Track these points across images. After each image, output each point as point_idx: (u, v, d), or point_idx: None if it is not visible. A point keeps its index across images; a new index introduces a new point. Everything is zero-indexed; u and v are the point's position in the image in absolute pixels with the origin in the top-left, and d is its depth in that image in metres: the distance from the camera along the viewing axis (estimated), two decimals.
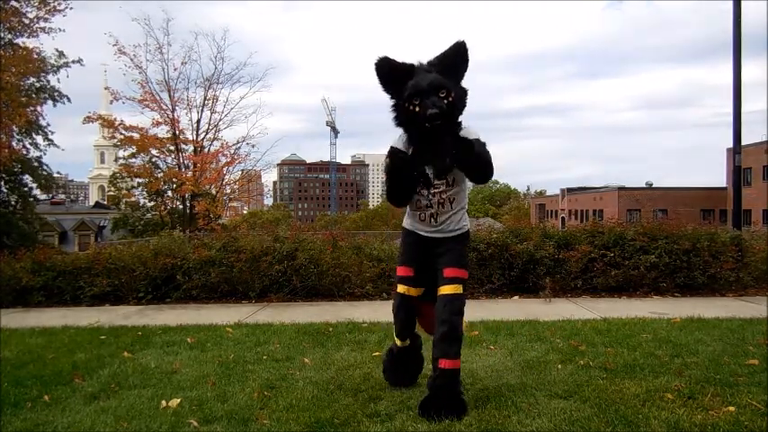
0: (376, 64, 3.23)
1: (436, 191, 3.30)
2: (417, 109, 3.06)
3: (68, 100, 21.40)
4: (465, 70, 3.25)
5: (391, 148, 3.20)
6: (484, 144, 3.20)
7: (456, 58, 3.20)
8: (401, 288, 3.47)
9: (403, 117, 3.17)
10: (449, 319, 3.21)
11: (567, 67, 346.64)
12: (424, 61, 3.25)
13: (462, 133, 3.18)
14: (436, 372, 3.22)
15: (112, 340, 5.21)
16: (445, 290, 3.26)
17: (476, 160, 3.13)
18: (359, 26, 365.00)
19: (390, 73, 3.22)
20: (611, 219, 9.78)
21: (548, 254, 7.73)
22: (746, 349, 4.38)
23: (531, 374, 3.84)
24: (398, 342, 3.61)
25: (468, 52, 3.21)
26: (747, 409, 3.10)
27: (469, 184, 3.58)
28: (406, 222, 3.54)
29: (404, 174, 3.22)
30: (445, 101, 3.05)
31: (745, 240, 8.18)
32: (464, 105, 3.22)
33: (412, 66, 3.22)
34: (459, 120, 3.24)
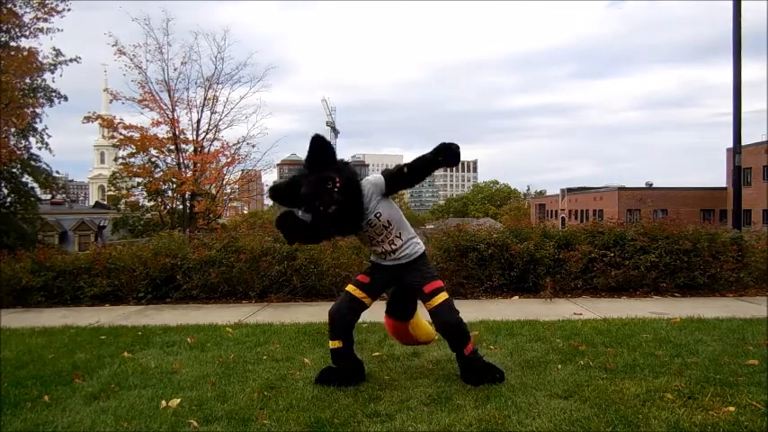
0: (269, 195, 3.85)
1: (381, 237, 3.69)
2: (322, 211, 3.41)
3: (65, 99, 21.35)
4: (333, 151, 3.57)
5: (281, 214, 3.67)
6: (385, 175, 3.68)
7: (319, 150, 3.51)
8: (349, 287, 3.87)
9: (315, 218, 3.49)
10: (449, 321, 3.68)
11: (567, 67, 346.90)
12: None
13: (367, 189, 3.58)
14: (463, 358, 3.73)
15: (112, 340, 5.21)
16: (434, 302, 3.69)
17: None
18: (359, 26, 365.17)
19: (282, 194, 3.69)
20: (611, 219, 9.79)
21: (548, 254, 7.73)
22: (746, 349, 4.38)
23: (531, 374, 3.84)
24: (332, 343, 3.87)
25: (323, 139, 3.55)
26: (747, 409, 3.10)
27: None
28: (372, 257, 3.94)
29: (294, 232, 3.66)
30: (335, 189, 3.38)
31: (745, 240, 8.18)
32: (353, 173, 3.57)
33: (292, 177, 3.66)
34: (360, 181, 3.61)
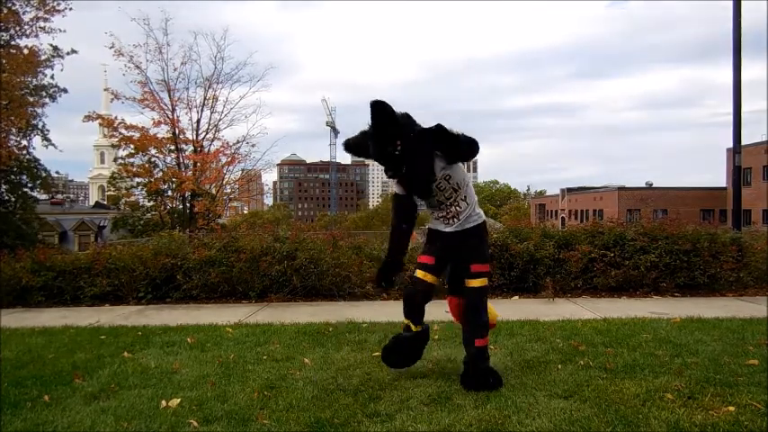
0: (344, 148, 3.86)
1: (450, 201, 3.70)
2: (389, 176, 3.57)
3: (65, 91, 21.25)
4: (394, 113, 3.45)
5: (393, 193, 3.83)
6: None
7: (380, 116, 3.43)
8: (419, 273, 3.80)
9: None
10: (474, 307, 3.74)
11: (567, 67, 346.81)
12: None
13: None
14: (472, 349, 3.71)
15: (112, 340, 5.21)
16: (472, 283, 3.74)
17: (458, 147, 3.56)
18: (359, 25, 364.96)
19: (356, 147, 3.76)
20: (611, 219, 9.78)
21: (548, 254, 7.73)
22: (746, 349, 4.38)
23: (531, 374, 3.84)
24: (411, 326, 3.83)
25: (383, 104, 3.41)
26: (747, 409, 3.10)
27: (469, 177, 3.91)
28: (431, 224, 3.90)
29: (401, 211, 3.80)
30: (396, 152, 3.43)
31: (745, 240, 8.18)
32: (414, 129, 3.51)
33: (363, 132, 3.63)
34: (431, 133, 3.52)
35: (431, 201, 3.74)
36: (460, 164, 3.74)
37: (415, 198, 3.76)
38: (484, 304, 3.77)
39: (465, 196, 3.73)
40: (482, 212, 3.89)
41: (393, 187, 3.83)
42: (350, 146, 3.80)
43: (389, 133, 3.44)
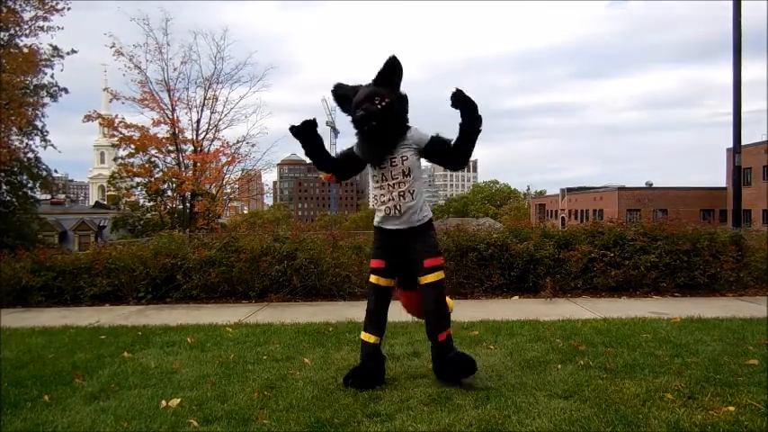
0: (332, 90, 3.95)
1: (395, 182, 3.70)
2: (357, 116, 3.63)
3: (66, 92, 21.26)
4: (400, 79, 3.74)
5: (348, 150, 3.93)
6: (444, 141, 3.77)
7: (389, 71, 3.70)
8: (373, 278, 3.87)
9: (353, 125, 3.75)
10: (436, 302, 3.73)
11: (567, 67, 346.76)
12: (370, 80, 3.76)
13: (410, 134, 3.71)
14: (437, 343, 3.72)
15: (112, 340, 5.21)
16: (428, 279, 3.72)
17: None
18: (359, 25, 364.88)
19: (340, 95, 3.89)
20: (611, 219, 9.78)
21: (548, 254, 7.73)
22: (746, 349, 4.38)
23: (531, 374, 3.84)
24: (365, 337, 3.82)
25: (400, 64, 3.70)
26: (747, 409, 3.10)
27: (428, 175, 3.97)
28: (376, 221, 3.89)
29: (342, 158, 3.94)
30: (379, 105, 3.58)
31: (745, 240, 8.18)
32: (404, 107, 3.77)
33: (358, 86, 3.79)
34: (408, 123, 3.76)
35: (376, 174, 3.75)
36: (420, 161, 3.81)
37: (359, 166, 3.88)
38: (443, 297, 3.76)
39: (413, 190, 3.70)
40: (429, 212, 3.88)
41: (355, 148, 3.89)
42: (337, 90, 3.91)
43: (384, 87, 3.63)
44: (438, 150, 3.77)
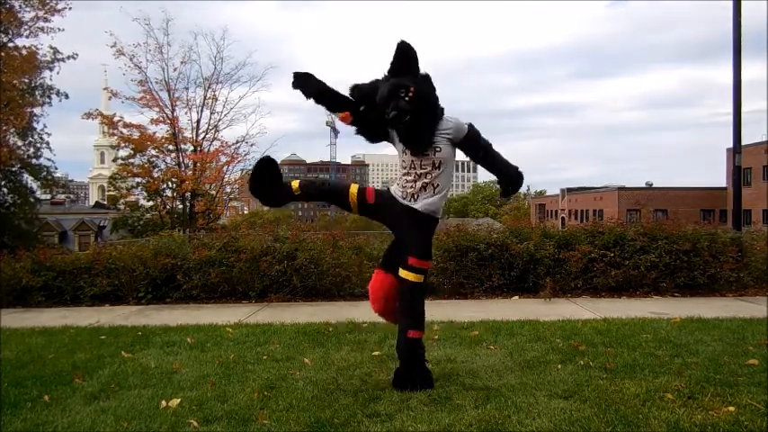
0: (349, 93, 3.71)
1: (423, 171, 3.56)
2: (390, 116, 3.41)
3: (66, 97, 21.29)
4: (417, 62, 3.53)
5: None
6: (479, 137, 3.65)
7: (403, 59, 3.50)
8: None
9: (387, 125, 3.59)
10: (408, 300, 3.64)
11: (567, 67, 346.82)
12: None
13: (448, 123, 3.55)
14: (402, 338, 3.63)
15: (112, 340, 5.21)
16: (407, 275, 3.61)
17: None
18: (359, 25, 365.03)
19: (360, 97, 3.68)
20: (611, 219, 9.78)
21: (548, 254, 7.72)
22: (746, 349, 4.38)
23: (531, 374, 3.84)
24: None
25: (412, 48, 3.51)
26: (747, 409, 3.10)
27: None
28: (392, 188, 3.78)
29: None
30: (406, 98, 3.37)
31: (745, 240, 8.17)
32: (431, 86, 3.56)
33: (375, 81, 3.60)
34: (440, 106, 3.59)
35: (405, 160, 3.60)
36: (455, 151, 3.68)
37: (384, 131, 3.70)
38: (417, 300, 3.65)
39: (437, 184, 3.58)
40: (440, 213, 3.74)
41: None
42: (356, 93, 3.68)
43: (404, 76, 3.43)
44: (468, 153, 3.70)
